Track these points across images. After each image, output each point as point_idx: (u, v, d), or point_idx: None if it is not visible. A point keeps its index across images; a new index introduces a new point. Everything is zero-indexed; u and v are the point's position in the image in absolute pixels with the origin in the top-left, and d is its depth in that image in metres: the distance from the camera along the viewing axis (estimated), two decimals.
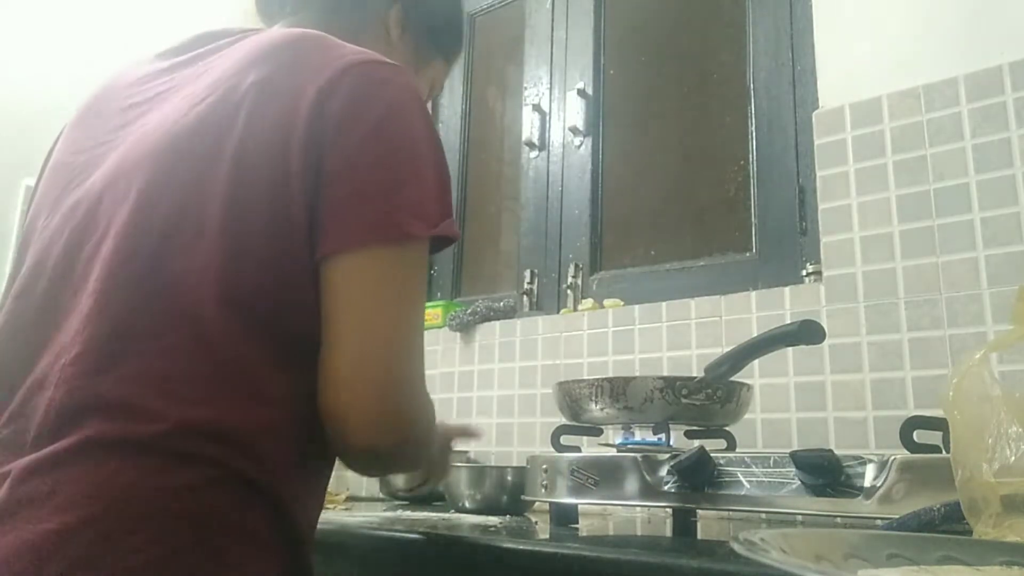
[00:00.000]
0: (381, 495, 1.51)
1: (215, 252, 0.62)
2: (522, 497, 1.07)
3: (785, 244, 1.44)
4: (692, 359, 1.39)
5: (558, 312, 1.67)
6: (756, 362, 1.13)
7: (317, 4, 0.85)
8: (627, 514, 1.27)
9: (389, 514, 1.14)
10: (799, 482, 0.77)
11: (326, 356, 0.63)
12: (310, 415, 0.64)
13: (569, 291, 1.70)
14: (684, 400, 0.96)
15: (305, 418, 0.64)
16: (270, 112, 0.65)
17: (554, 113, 1.88)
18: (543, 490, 0.98)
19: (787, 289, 1.33)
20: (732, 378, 1.00)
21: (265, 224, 0.63)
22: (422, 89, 0.94)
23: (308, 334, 0.64)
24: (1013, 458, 0.57)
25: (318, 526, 0.75)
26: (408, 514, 1.14)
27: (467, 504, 1.18)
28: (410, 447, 0.67)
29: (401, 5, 0.88)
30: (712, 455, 0.84)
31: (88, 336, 0.61)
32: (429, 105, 2.14)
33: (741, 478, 0.82)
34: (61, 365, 0.60)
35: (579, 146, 1.81)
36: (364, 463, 0.69)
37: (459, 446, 1.12)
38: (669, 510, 0.93)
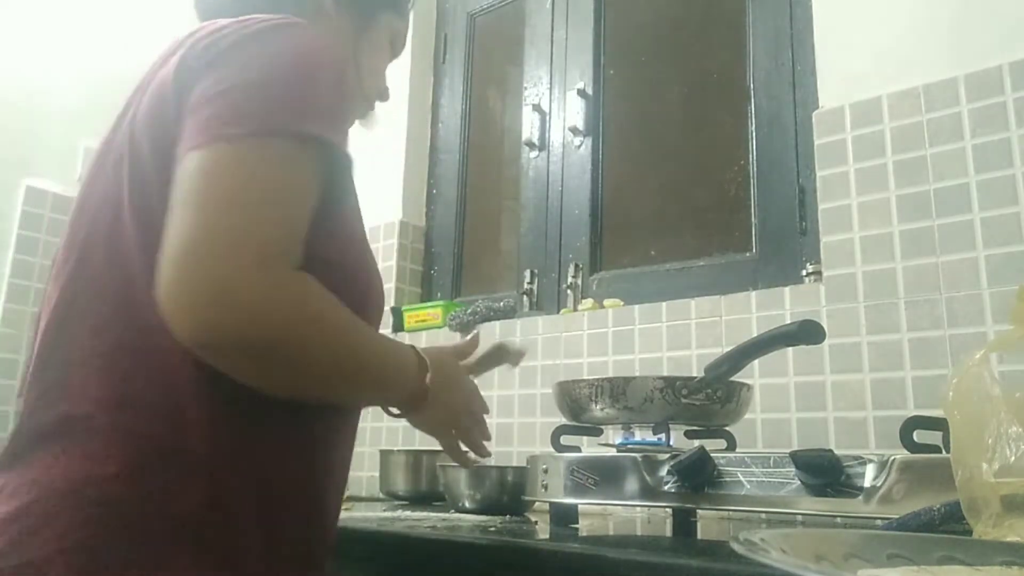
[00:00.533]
0: (381, 495, 1.51)
1: (130, 232, 0.67)
2: (522, 497, 1.07)
3: (785, 244, 1.44)
4: (692, 359, 1.39)
5: (558, 312, 1.67)
6: (756, 362, 1.13)
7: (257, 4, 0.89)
8: (627, 514, 1.27)
9: (389, 514, 1.14)
10: (799, 482, 0.77)
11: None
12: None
13: (569, 291, 1.70)
14: (684, 400, 0.96)
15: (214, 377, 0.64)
16: (148, 95, 0.72)
17: (554, 113, 1.88)
18: (543, 490, 0.98)
19: (787, 289, 1.33)
20: (732, 378, 1.00)
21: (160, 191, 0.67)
22: (382, 48, 0.95)
23: None
24: (1013, 458, 0.57)
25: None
26: (408, 514, 1.14)
27: (467, 504, 1.18)
28: (263, 337, 0.62)
29: None
30: (712, 455, 0.84)
31: (42, 330, 0.68)
32: (429, 105, 2.15)
33: (741, 478, 0.82)
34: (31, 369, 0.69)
35: (579, 146, 1.81)
36: (218, 361, 0.63)
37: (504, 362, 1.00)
38: (669, 510, 0.93)
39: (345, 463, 0.80)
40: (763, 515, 1.10)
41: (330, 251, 0.73)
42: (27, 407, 0.68)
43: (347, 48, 0.91)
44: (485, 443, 0.90)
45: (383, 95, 1.00)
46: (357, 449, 0.87)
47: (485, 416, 0.90)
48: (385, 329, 1.92)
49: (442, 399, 0.81)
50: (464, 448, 0.89)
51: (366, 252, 0.83)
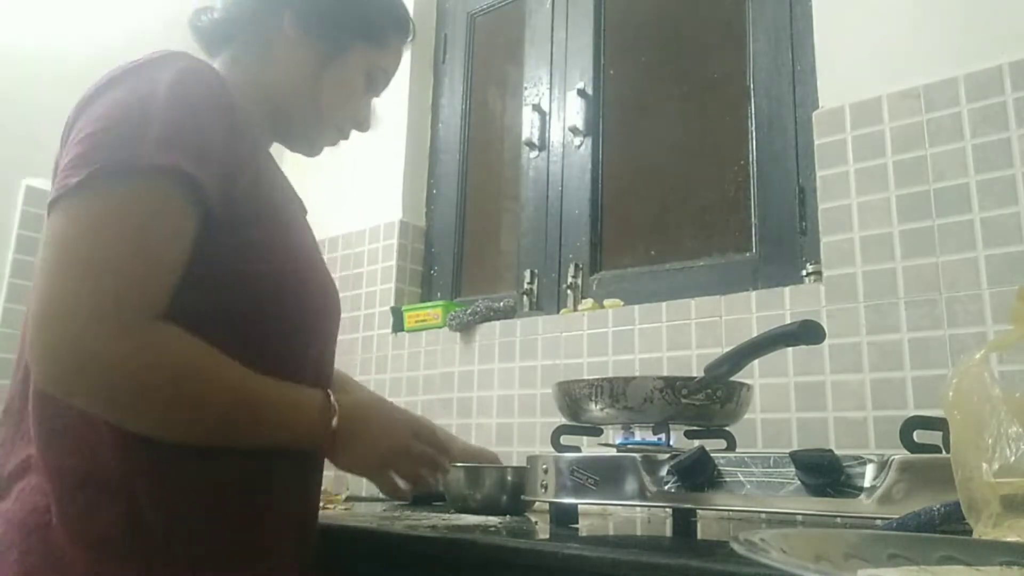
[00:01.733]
0: (381, 495, 1.50)
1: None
2: (522, 497, 1.06)
3: (785, 244, 1.44)
4: (692, 359, 1.39)
5: (558, 312, 1.67)
6: (756, 362, 1.13)
7: (223, 37, 0.92)
8: (627, 514, 1.27)
9: (389, 514, 1.14)
10: (799, 482, 0.77)
11: None
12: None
13: (569, 291, 1.70)
14: (684, 400, 0.96)
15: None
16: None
17: (554, 113, 1.88)
18: (543, 490, 0.98)
19: (787, 289, 1.33)
20: (732, 378, 1.00)
21: None
22: (352, 80, 0.94)
23: None
24: (1013, 458, 0.57)
25: (315, 525, 0.77)
26: (408, 514, 1.14)
27: (467, 504, 1.18)
28: (113, 395, 0.66)
29: (291, 10, 0.90)
30: (712, 455, 0.84)
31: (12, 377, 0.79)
32: (429, 105, 2.14)
33: (741, 478, 0.82)
34: None
35: (579, 146, 1.81)
36: (72, 398, 0.68)
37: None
38: (669, 510, 0.93)
39: (288, 470, 0.80)
40: (763, 515, 1.10)
41: (250, 264, 0.76)
42: (2, 450, 0.75)
43: (309, 82, 0.91)
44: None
45: (362, 125, 1.00)
46: None
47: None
48: (385, 329, 1.92)
49: (362, 442, 0.80)
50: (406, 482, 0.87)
51: (302, 260, 0.84)
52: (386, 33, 0.97)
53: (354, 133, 1.02)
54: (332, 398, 0.79)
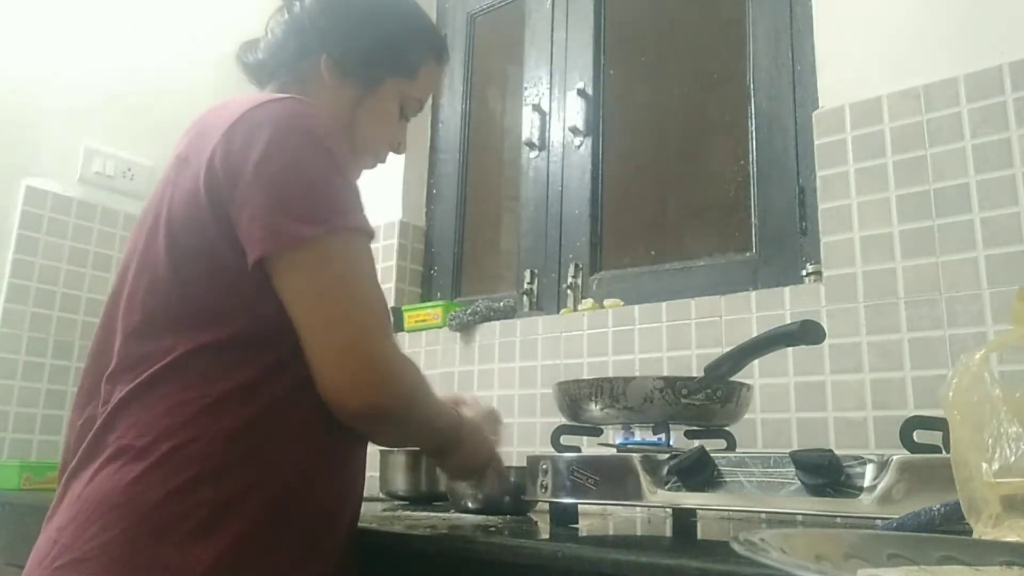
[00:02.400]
0: (381, 495, 1.51)
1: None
2: (522, 497, 1.06)
3: (785, 244, 1.44)
4: (692, 359, 1.39)
5: (558, 312, 1.67)
6: (756, 362, 1.13)
7: (268, 73, 0.99)
8: (627, 514, 1.27)
9: (389, 514, 1.14)
10: (799, 482, 0.77)
11: (306, 347, 0.77)
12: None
13: (569, 291, 1.70)
14: (684, 400, 0.96)
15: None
16: (184, 178, 0.81)
17: (554, 113, 1.88)
18: (543, 490, 0.98)
19: (787, 289, 1.33)
20: (732, 378, 1.00)
21: (194, 259, 0.79)
22: (387, 113, 1.01)
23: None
24: (1013, 458, 0.57)
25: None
26: (408, 514, 1.14)
27: (468, 504, 1.18)
28: (401, 404, 0.80)
29: (327, 55, 0.96)
30: (712, 455, 0.84)
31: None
32: (429, 105, 2.14)
33: (741, 478, 0.82)
34: None
35: (579, 146, 1.81)
36: (369, 425, 0.82)
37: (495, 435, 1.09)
38: (669, 510, 0.93)
39: (359, 462, 0.90)
40: (763, 515, 1.10)
41: None
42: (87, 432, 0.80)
43: (345, 115, 0.97)
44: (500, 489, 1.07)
45: (397, 149, 1.09)
46: None
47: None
48: None
49: (470, 450, 0.96)
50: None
51: None
52: (419, 64, 1.02)
53: None
54: (462, 419, 0.95)
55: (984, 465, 0.58)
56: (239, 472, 0.74)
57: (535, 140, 1.88)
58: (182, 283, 0.78)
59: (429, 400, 0.87)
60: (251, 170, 0.76)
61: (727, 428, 1.08)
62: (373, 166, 1.07)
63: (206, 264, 0.78)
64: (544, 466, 0.98)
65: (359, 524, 0.91)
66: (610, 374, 1.27)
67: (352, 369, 0.75)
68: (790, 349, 1.25)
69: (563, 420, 1.08)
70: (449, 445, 0.93)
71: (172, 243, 0.79)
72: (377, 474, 1.49)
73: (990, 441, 0.58)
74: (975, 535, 0.57)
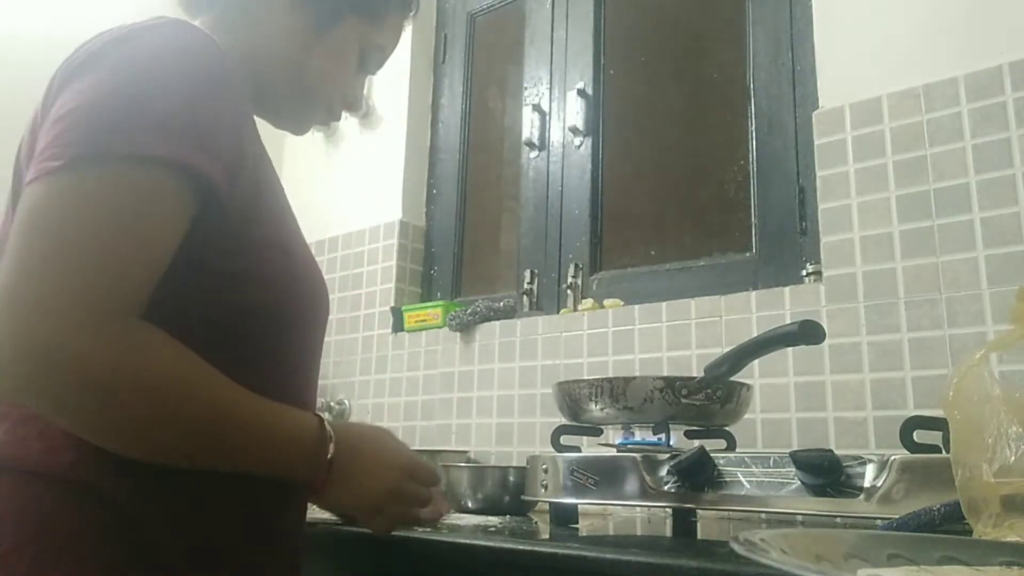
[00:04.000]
0: None
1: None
2: (522, 497, 1.06)
3: (785, 244, 1.44)
4: (692, 359, 1.39)
5: (558, 312, 1.67)
6: (756, 362, 1.13)
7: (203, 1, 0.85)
8: (627, 514, 1.27)
9: None
10: (799, 482, 0.77)
11: None
12: None
13: (569, 291, 1.70)
14: (684, 400, 0.96)
15: None
16: (29, 122, 0.70)
17: (554, 113, 1.88)
18: (543, 490, 0.98)
19: (787, 289, 1.33)
20: (732, 378, 1.00)
21: None
22: (344, 55, 0.87)
23: None
24: (1013, 458, 0.57)
25: (312, 524, 0.74)
26: None
27: (468, 504, 1.18)
28: (80, 401, 0.58)
29: None
30: (712, 455, 0.84)
31: None
32: (429, 105, 2.14)
33: (741, 478, 0.82)
34: None
35: (579, 146, 1.81)
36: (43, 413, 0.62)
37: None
38: (669, 510, 0.93)
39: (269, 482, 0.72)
40: (763, 515, 1.10)
41: (238, 264, 0.69)
42: None
43: (295, 51, 0.84)
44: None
45: (353, 105, 0.93)
46: None
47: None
48: (385, 329, 1.92)
49: (355, 479, 0.73)
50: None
51: (305, 256, 0.79)
52: (386, 6, 0.90)
53: (354, 134, 1.00)
54: (328, 425, 0.72)
55: (984, 465, 0.58)
56: None
57: (535, 140, 1.88)
58: None
59: (197, 391, 0.63)
60: (77, 67, 0.65)
61: (727, 428, 1.08)
62: (325, 121, 0.93)
63: None
64: (544, 466, 0.98)
65: (358, 524, 0.91)
66: (610, 374, 1.27)
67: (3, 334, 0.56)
68: (790, 349, 1.25)
69: (563, 420, 1.08)
70: (291, 460, 0.70)
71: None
72: None
73: (990, 441, 0.58)
74: (975, 535, 0.57)
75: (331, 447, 0.71)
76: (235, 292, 0.69)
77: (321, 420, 0.72)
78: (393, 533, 0.83)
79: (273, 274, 0.72)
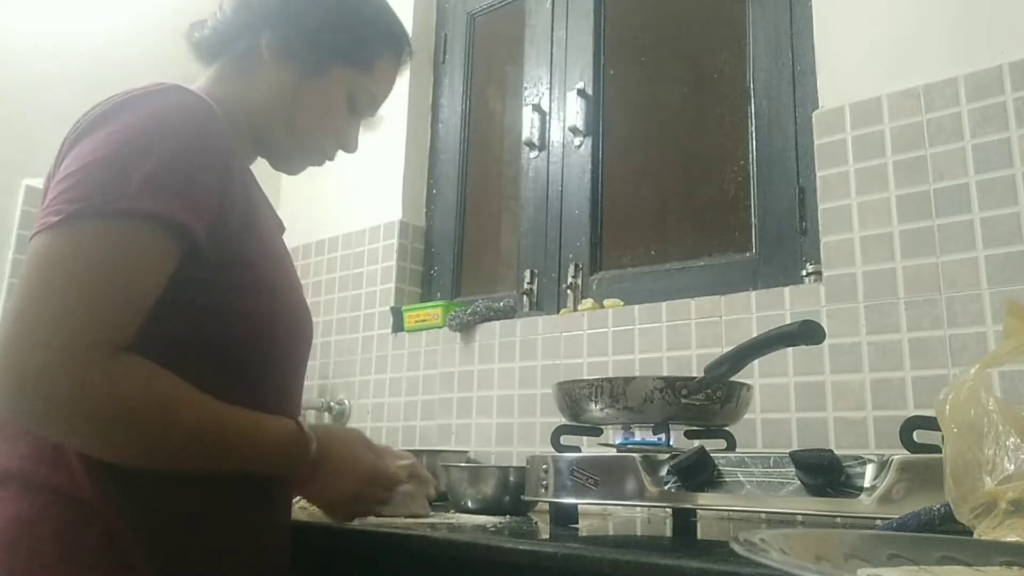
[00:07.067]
0: None
1: None
2: (522, 497, 1.06)
3: (785, 244, 1.44)
4: (692, 359, 1.39)
5: (558, 312, 1.67)
6: (756, 362, 1.13)
7: (212, 53, 0.93)
8: (627, 514, 1.27)
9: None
10: (799, 482, 0.77)
11: None
12: None
13: (569, 291, 1.70)
14: (684, 400, 0.96)
15: None
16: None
17: (554, 113, 1.88)
18: (543, 490, 0.98)
19: (787, 289, 1.33)
20: (732, 378, 1.00)
21: None
22: (331, 104, 0.94)
23: None
24: (1012, 467, 0.57)
25: (312, 525, 0.78)
26: None
27: (468, 504, 1.18)
28: (72, 424, 0.67)
29: (270, 32, 0.90)
30: (712, 455, 0.84)
31: None
32: (429, 105, 2.14)
33: (741, 478, 0.82)
34: None
35: (579, 146, 1.81)
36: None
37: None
38: (669, 510, 0.93)
39: (257, 489, 0.82)
40: (763, 515, 1.10)
41: (242, 301, 0.79)
42: None
43: (285, 100, 0.91)
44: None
45: (347, 147, 1.00)
46: None
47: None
48: (385, 329, 1.92)
49: (329, 480, 0.84)
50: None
51: (290, 296, 0.87)
52: (372, 55, 0.95)
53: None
54: (305, 426, 0.82)
55: (986, 478, 0.58)
56: None
57: (535, 140, 1.88)
58: None
59: (178, 407, 0.71)
60: (82, 131, 0.74)
61: (727, 428, 1.08)
62: (320, 162, 1.00)
63: None
64: (544, 466, 0.98)
65: (358, 524, 0.91)
66: (610, 374, 1.27)
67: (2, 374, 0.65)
68: (790, 349, 1.25)
69: (563, 420, 1.08)
70: (284, 460, 0.80)
71: None
72: None
73: (989, 453, 0.59)
74: (975, 535, 0.57)
75: (313, 445, 0.81)
76: (220, 326, 0.78)
77: (298, 424, 0.81)
78: (391, 532, 0.86)
79: (256, 313, 0.81)
